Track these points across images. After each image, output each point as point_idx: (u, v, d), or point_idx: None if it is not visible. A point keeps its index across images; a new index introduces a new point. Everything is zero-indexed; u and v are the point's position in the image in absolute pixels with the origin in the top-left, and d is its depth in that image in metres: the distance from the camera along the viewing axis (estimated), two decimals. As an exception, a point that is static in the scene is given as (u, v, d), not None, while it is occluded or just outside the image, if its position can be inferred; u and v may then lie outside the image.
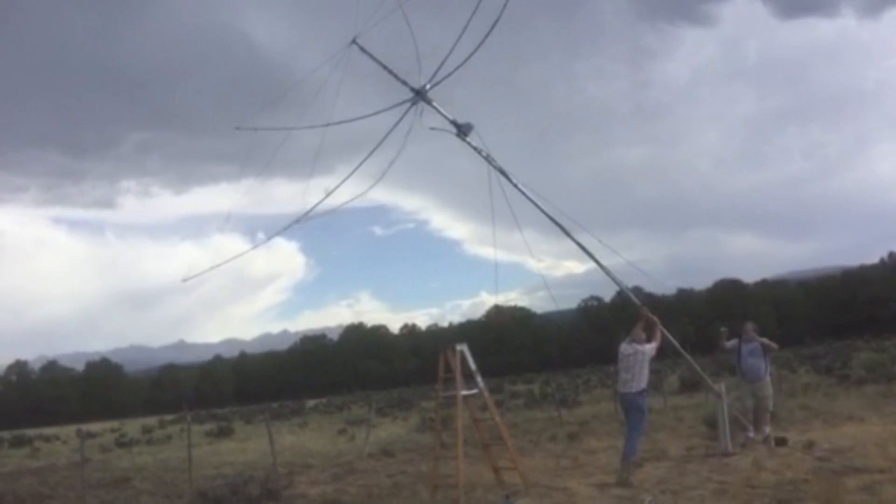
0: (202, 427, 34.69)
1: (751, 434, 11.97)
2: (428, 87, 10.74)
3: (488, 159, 10.74)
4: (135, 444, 29.44)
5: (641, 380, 10.70)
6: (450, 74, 10.76)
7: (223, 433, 29.97)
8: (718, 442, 11.35)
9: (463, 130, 10.74)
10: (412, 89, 10.74)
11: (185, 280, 12.21)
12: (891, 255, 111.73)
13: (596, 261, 10.99)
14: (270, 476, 12.21)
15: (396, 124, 10.85)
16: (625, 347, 10.94)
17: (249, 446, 21.93)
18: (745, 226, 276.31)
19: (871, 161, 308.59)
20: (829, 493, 7.00)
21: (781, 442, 11.26)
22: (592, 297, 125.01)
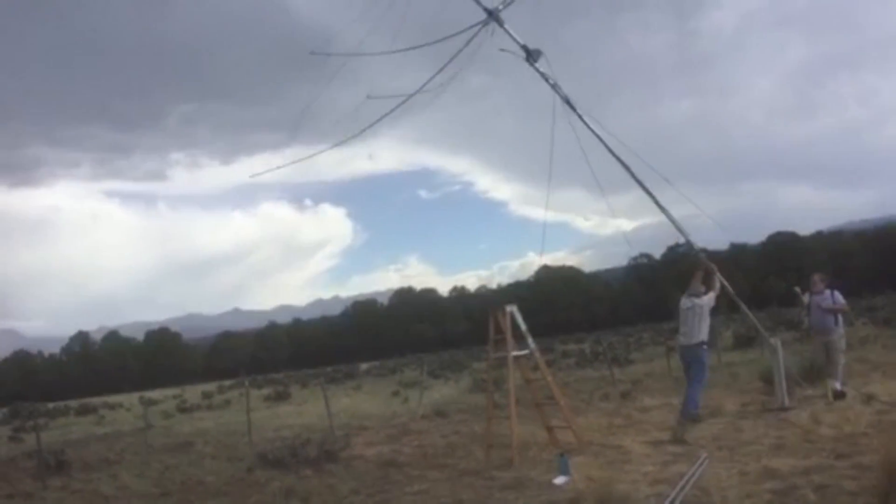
0: (260, 392, 35.50)
1: (838, 386, 11.57)
2: (501, 7, 10.70)
3: (555, 87, 10.78)
4: (195, 410, 30.34)
5: (701, 332, 10.70)
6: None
7: (280, 397, 30.66)
8: (774, 397, 11.21)
9: (532, 56, 10.76)
10: (485, 9, 10.69)
11: (252, 176, 12.33)
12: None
13: (657, 202, 10.99)
14: (328, 438, 12.48)
15: (468, 43, 10.81)
16: (684, 301, 11.00)
17: (306, 409, 22.40)
18: (799, 177, 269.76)
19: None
20: (889, 446, 6.86)
21: (840, 395, 11.07)
22: (643, 255, 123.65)
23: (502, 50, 10.77)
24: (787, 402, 10.88)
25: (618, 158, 10.94)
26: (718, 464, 7.73)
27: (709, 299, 10.87)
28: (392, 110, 11.40)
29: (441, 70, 11.06)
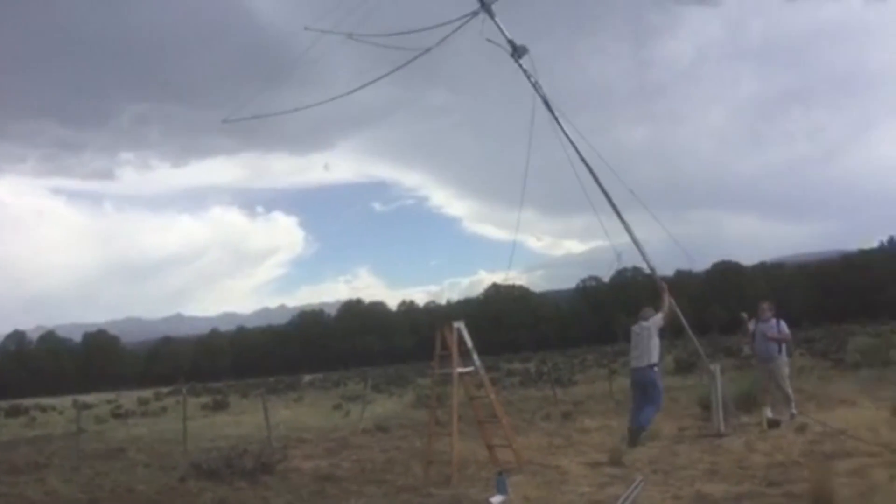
0: (198, 400, 34.82)
1: (770, 414, 11.79)
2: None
3: (535, 86, 10.95)
4: (130, 416, 29.58)
5: (651, 354, 10.85)
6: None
7: (219, 406, 30.10)
8: (711, 423, 11.39)
9: (518, 52, 10.99)
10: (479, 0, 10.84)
11: (225, 121, 12.20)
12: (891, 239, 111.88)
13: (623, 221, 11.23)
14: (265, 450, 12.26)
15: (457, 29, 10.98)
16: (634, 327, 11.16)
17: (244, 420, 22.02)
18: (746, 208, 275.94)
19: (874, 145, 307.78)
20: (819, 475, 7.02)
21: (774, 424, 11.29)
22: (591, 277, 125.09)
23: (489, 41, 10.96)
24: (722, 428, 11.07)
25: (591, 172, 11.10)
26: (653, 487, 7.82)
27: (657, 319, 11.03)
28: (391, 71, 11.35)
29: (421, 55, 11.18)
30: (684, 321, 11.62)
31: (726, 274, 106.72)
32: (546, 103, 10.97)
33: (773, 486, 7.44)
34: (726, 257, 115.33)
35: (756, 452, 9.27)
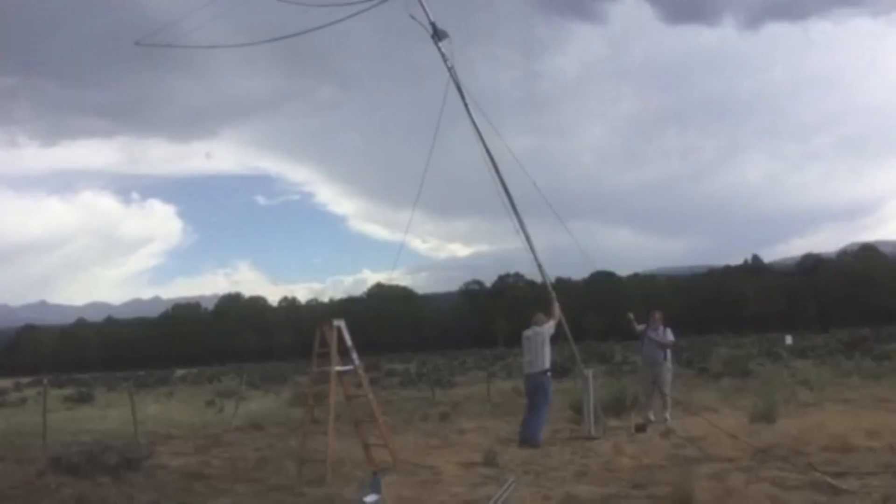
0: (61, 392, 33.00)
1: (652, 417, 12.70)
2: None
3: (451, 71, 11.02)
4: (-15, 407, 27.68)
5: (544, 360, 11.17)
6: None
7: (83, 399, 28.62)
8: (582, 426, 11.75)
9: (438, 34, 11.07)
10: None
11: (137, 44, 11.57)
12: (754, 257, 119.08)
13: (524, 230, 11.48)
14: (130, 445, 11.75)
15: (381, 3, 10.79)
16: (527, 332, 11.43)
17: (110, 414, 21.03)
18: (623, 221, 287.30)
19: (742, 167, 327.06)
20: (681, 478, 7.35)
21: (641, 428, 11.77)
22: (474, 281, 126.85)
23: (412, 17, 10.96)
24: (593, 431, 11.44)
25: (495, 168, 11.27)
26: (525, 487, 7.96)
27: (549, 327, 11.38)
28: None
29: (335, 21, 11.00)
30: (566, 328, 11.97)
31: (603, 283, 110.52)
32: (459, 89, 11.16)
33: (638, 488, 7.73)
34: (603, 267, 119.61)
35: (624, 455, 9.61)
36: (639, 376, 13.77)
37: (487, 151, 11.45)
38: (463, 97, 11.23)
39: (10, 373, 77.62)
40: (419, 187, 11.69)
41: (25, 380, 51.97)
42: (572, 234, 12.34)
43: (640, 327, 13.60)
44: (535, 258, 11.89)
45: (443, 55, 11.20)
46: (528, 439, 10.85)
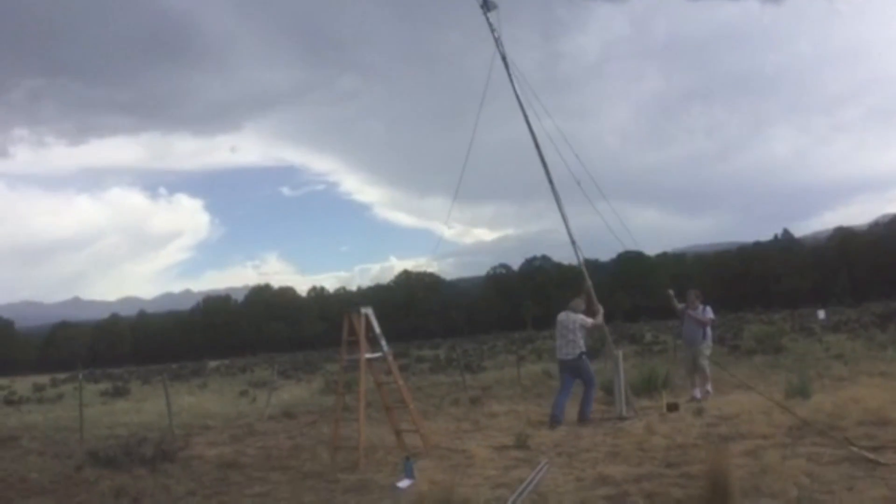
0: (96, 386, 33.54)
1: (697, 395, 12.80)
2: None
3: (497, 42, 11.15)
4: (24, 403, 28.20)
5: (578, 344, 11.37)
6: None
7: (118, 393, 29.05)
8: (614, 407, 11.71)
9: (488, 5, 11.22)
10: None
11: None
12: (784, 232, 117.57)
13: (563, 212, 11.46)
14: (166, 437, 11.91)
15: None
16: (561, 316, 11.52)
17: (145, 407, 21.32)
18: (649, 201, 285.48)
19: (769, 142, 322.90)
20: (715, 457, 7.28)
21: (673, 408, 11.69)
22: (501, 265, 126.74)
23: None
24: (625, 412, 11.40)
25: (538, 149, 11.32)
26: (557, 470, 7.95)
27: (584, 319, 11.49)
28: None
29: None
30: (607, 333, 12.11)
31: (631, 263, 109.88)
32: (504, 60, 11.25)
33: (671, 467, 7.69)
34: (630, 247, 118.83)
35: (656, 435, 9.55)
36: (680, 356, 13.73)
37: (529, 127, 11.49)
38: (508, 73, 11.29)
39: (47, 369, 79.14)
40: (460, 175, 11.79)
41: (61, 375, 52.88)
42: (616, 213, 12.38)
43: (680, 306, 13.53)
44: (571, 238, 11.91)
45: (490, 25, 11.33)
46: (583, 417, 11.19)
